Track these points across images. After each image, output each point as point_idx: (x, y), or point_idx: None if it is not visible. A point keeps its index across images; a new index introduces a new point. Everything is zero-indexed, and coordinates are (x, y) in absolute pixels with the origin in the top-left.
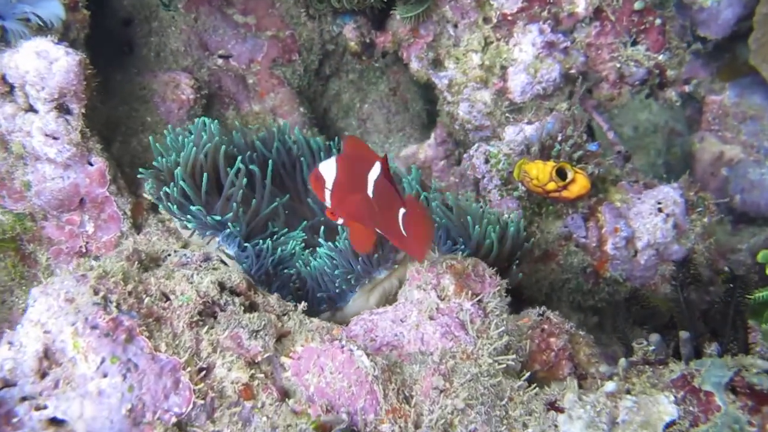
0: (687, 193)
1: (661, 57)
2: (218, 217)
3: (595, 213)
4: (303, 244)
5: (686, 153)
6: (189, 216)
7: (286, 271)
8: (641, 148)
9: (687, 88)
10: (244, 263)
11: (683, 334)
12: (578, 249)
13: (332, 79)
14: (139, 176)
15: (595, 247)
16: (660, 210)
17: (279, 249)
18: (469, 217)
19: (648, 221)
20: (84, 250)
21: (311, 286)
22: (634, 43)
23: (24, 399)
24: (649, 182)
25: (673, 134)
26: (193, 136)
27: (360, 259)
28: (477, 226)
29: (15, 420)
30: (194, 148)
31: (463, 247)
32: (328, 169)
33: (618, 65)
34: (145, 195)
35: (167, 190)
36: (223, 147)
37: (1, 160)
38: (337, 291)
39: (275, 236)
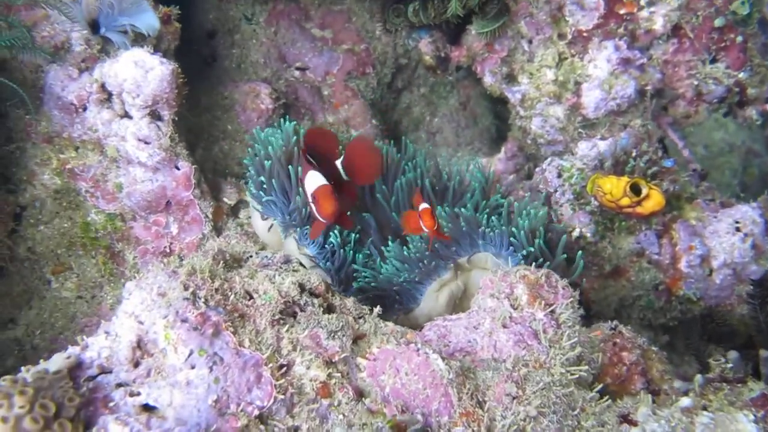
0: (767, 213)
1: (741, 75)
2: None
3: (669, 230)
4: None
5: (764, 173)
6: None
7: (362, 274)
8: (715, 167)
9: None
10: (322, 264)
11: (763, 353)
12: (650, 266)
13: (404, 92)
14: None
15: (668, 264)
16: (738, 229)
17: (354, 253)
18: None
19: (725, 240)
20: (168, 251)
21: (386, 289)
22: (713, 61)
23: (119, 385)
24: (726, 201)
25: (751, 154)
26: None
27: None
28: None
29: (112, 404)
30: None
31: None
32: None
33: (696, 82)
34: (225, 200)
35: (263, 180)
36: None
37: (96, 162)
38: (407, 287)
39: (349, 240)
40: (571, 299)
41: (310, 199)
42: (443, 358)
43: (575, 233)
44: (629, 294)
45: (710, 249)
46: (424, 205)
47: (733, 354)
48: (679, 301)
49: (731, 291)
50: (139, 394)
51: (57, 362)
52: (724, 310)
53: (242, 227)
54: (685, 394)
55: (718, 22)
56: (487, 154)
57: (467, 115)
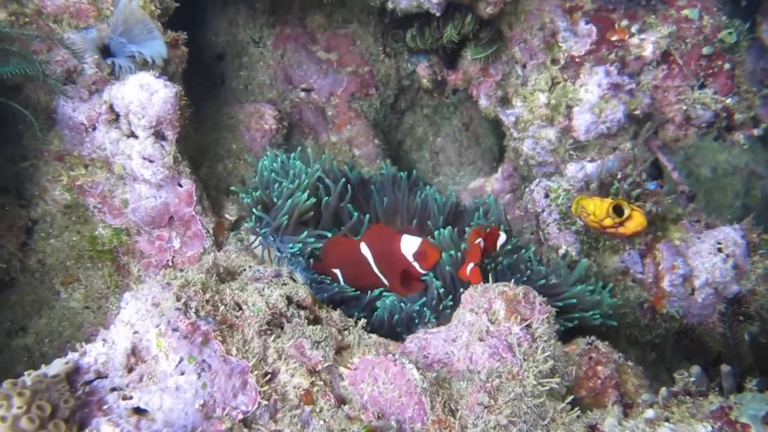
0: (749, 235)
1: (729, 101)
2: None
3: (653, 250)
4: None
5: (766, 195)
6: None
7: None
8: (719, 189)
9: (756, 132)
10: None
11: (724, 368)
12: (635, 284)
13: (407, 113)
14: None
15: (651, 282)
16: (720, 250)
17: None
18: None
19: (707, 260)
20: (170, 264)
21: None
22: (702, 87)
23: (113, 389)
24: (711, 223)
25: (754, 176)
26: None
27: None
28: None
29: (105, 407)
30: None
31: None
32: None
33: (684, 107)
34: (227, 216)
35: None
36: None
37: (104, 179)
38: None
39: None
40: (548, 314)
41: (412, 259)
42: (419, 369)
43: (561, 251)
44: (616, 311)
45: (693, 269)
46: (471, 265)
47: (695, 369)
48: (663, 318)
49: (713, 310)
50: (131, 397)
51: (56, 367)
52: (706, 328)
53: (242, 242)
54: (652, 406)
55: (706, 50)
56: (489, 174)
57: (470, 135)
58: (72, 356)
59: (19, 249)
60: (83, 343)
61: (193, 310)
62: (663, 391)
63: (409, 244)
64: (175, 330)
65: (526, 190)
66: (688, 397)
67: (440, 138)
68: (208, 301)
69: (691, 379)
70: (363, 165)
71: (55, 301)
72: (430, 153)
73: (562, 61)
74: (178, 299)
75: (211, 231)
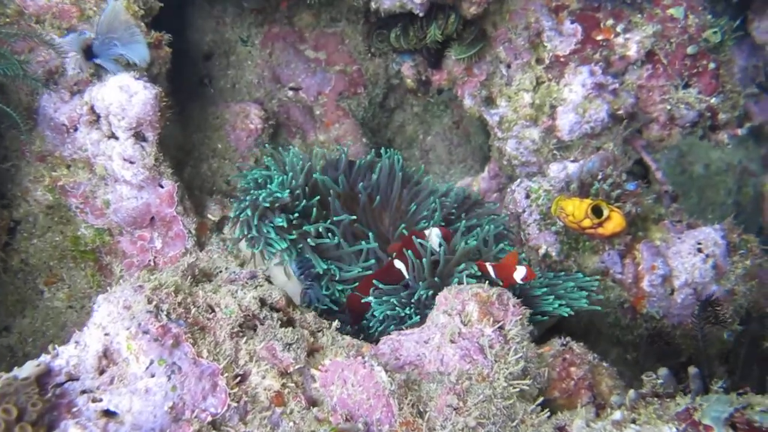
0: (730, 235)
1: (713, 100)
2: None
3: (632, 250)
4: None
5: (758, 193)
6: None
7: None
8: (711, 186)
9: (740, 131)
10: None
11: (692, 370)
12: (615, 284)
13: (397, 111)
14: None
15: (631, 283)
16: (700, 250)
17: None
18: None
19: (686, 261)
20: (152, 264)
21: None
22: (686, 86)
23: (84, 392)
24: (693, 223)
25: (746, 174)
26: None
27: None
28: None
29: (75, 410)
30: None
31: None
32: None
33: (669, 107)
34: (210, 216)
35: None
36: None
37: (86, 180)
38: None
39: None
40: (521, 317)
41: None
42: (387, 371)
43: (541, 251)
44: (597, 311)
45: (672, 269)
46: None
47: (663, 370)
48: (644, 318)
49: (692, 310)
50: (101, 400)
51: (27, 369)
52: (686, 328)
53: (224, 242)
54: (620, 407)
55: (691, 50)
56: (479, 172)
57: (460, 134)
58: (44, 358)
59: (1, 249)
60: (56, 346)
61: (165, 312)
62: (631, 393)
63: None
64: (145, 332)
65: (508, 190)
66: (656, 398)
67: (430, 136)
68: (180, 304)
69: (659, 381)
70: None
71: (38, 301)
72: (420, 151)
73: (547, 61)
74: (150, 302)
75: (194, 231)
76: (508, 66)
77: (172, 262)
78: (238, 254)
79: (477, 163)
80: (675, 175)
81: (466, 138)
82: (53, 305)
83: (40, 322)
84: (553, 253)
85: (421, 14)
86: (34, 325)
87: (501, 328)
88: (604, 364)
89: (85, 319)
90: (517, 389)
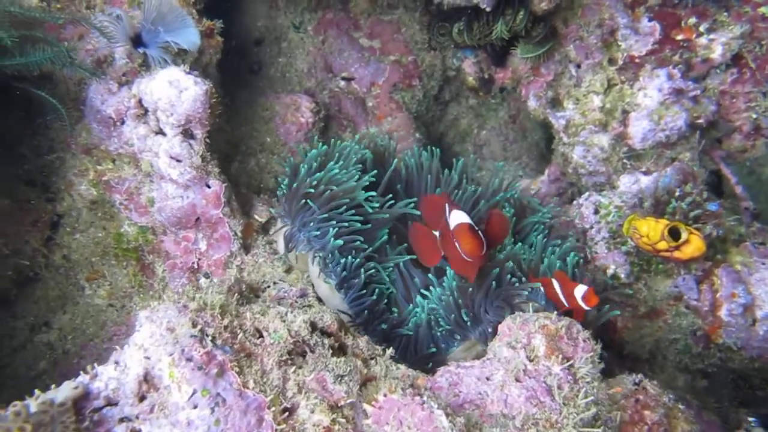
0: None
1: None
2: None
3: (711, 275)
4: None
5: None
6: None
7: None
8: None
9: None
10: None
11: None
12: (688, 311)
13: (451, 104)
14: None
15: (707, 311)
16: None
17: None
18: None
19: None
20: (196, 266)
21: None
22: None
23: (122, 420)
24: None
25: None
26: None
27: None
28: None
29: None
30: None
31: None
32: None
33: (754, 116)
34: (256, 217)
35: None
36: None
37: (131, 176)
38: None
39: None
40: (592, 353)
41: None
42: (447, 414)
43: (609, 272)
44: (665, 336)
45: (755, 297)
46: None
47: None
48: (718, 348)
49: None
50: (140, 430)
51: (64, 392)
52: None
53: (271, 245)
54: None
55: None
56: (534, 170)
57: (516, 129)
58: (82, 379)
59: (43, 244)
60: (95, 365)
61: (210, 337)
62: None
63: (455, 219)
64: (189, 359)
65: (574, 203)
66: None
67: (485, 131)
68: (226, 327)
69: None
70: None
71: (79, 297)
72: (474, 146)
73: (620, 62)
74: (194, 325)
75: (239, 233)
76: (578, 66)
77: (217, 265)
78: (285, 260)
79: (533, 161)
80: (742, 176)
81: (522, 134)
82: (94, 302)
83: (80, 320)
84: (622, 275)
85: (488, 8)
86: (74, 322)
87: (570, 366)
88: (680, 406)
89: (126, 319)
90: None
